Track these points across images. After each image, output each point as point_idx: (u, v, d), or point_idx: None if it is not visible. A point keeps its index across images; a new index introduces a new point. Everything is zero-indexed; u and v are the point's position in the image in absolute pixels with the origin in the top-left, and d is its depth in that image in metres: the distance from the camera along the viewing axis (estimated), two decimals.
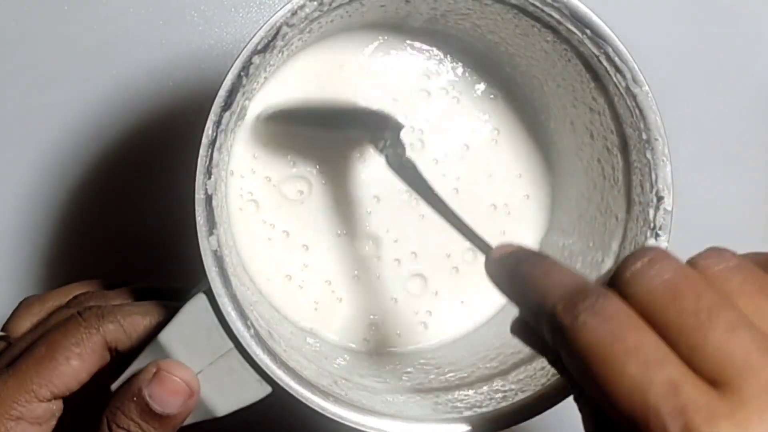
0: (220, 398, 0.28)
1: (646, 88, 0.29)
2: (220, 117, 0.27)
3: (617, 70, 0.29)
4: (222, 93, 0.27)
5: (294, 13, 0.27)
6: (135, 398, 0.27)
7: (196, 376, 0.28)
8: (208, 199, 0.27)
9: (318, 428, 0.32)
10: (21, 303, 0.32)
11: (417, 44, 0.35)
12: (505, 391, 0.30)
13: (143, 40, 0.42)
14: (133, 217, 0.42)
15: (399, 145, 0.30)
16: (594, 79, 0.31)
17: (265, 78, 0.32)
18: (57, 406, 0.28)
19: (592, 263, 0.33)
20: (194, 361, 0.28)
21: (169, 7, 0.43)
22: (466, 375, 0.32)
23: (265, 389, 0.28)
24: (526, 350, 0.33)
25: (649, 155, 0.30)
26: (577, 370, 0.20)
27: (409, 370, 0.34)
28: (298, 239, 0.34)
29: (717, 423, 0.17)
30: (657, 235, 0.30)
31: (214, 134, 0.27)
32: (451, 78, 0.36)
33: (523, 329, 0.24)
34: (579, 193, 0.35)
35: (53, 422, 0.28)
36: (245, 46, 0.27)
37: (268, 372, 0.27)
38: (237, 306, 0.27)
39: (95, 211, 0.42)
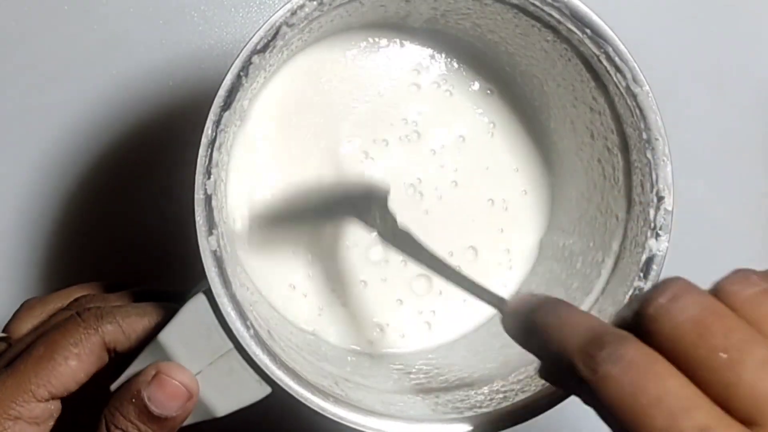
0: (220, 399, 0.28)
1: (647, 87, 0.29)
2: (220, 117, 0.27)
3: (617, 69, 0.29)
4: (222, 93, 0.27)
5: (294, 13, 0.27)
6: (134, 400, 0.27)
7: (196, 378, 0.28)
8: (208, 199, 0.27)
9: (318, 428, 0.32)
10: (22, 305, 0.32)
11: (410, 41, 0.35)
12: (505, 392, 0.30)
13: (143, 40, 0.42)
14: (133, 217, 0.42)
15: (388, 215, 0.30)
16: (594, 78, 0.31)
17: (265, 78, 0.32)
18: (55, 407, 0.28)
19: (593, 263, 0.33)
20: (194, 362, 0.28)
21: (169, 7, 0.42)
22: (466, 375, 0.32)
23: (265, 390, 0.28)
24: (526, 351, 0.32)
25: (649, 155, 0.30)
26: (607, 422, 0.19)
27: (409, 370, 0.34)
28: (303, 255, 0.34)
29: None
30: (657, 235, 0.30)
31: (214, 134, 0.27)
32: (442, 72, 0.36)
33: (549, 375, 0.23)
34: (579, 193, 0.34)
35: (51, 423, 0.28)
36: (245, 46, 0.27)
37: (267, 372, 0.27)
38: (236, 306, 0.27)
39: (95, 210, 0.42)
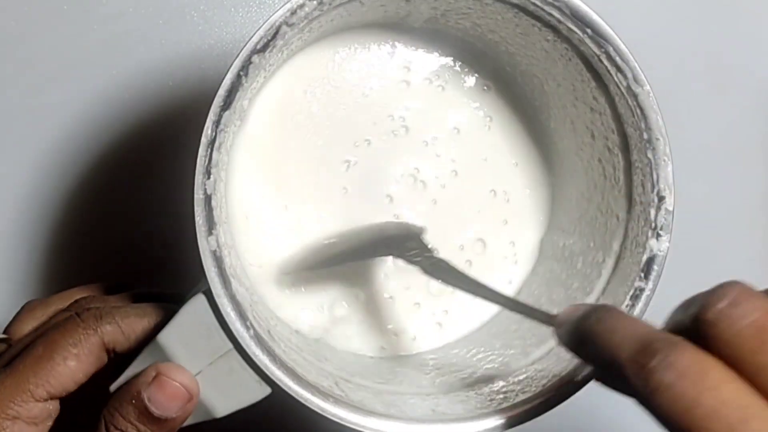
0: (220, 399, 0.28)
1: (648, 87, 0.29)
2: (220, 116, 0.27)
3: (618, 69, 0.29)
4: (221, 92, 0.27)
5: (294, 13, 0.27)
6: (134, 401, 0.27)
7: (196, 379, 0.27)
8: (207, 199, 0.27)
9: (318, 429, 0.32)
10: (23, 306, 0.32)
11: (409, 41, 0.35)
12: (505, 392, 0.30)
13: (143, 40, 0.42)
14: (133, 217, 0.42)
15: (425, 249, 0.30)
16: (595, 78, 0.31)
17: (265, 77, 0.32)
18: (54, 407, 0.28)
19: (593, 263, 0.32)
20: (193, 362, 0.27)
21: (169, 7, 0.42)
22: (466, 376, 0.32)
23: (265, 390, 0.28)
24: (526, 351, 0.32)
25: (650, 155, 0.30)
26: (664, 426, 0.19)
27: (410, 372, 0.33)
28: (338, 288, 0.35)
29: None
30: (658, 236, 0.30)
31: (214, 134, 0.27)
32: (434, 69, 0.35)
33: (605, 383, 0.23)
34: (579, 193, 0.34)
35: (50, 423, 0.28)
36: (245, 46, 0.27)
37: (267, 373, 0.27)
38: (236, 306, 0.27)
39: (95, 210, 0.42)
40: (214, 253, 0.27)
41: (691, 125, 0.45)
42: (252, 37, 0.27)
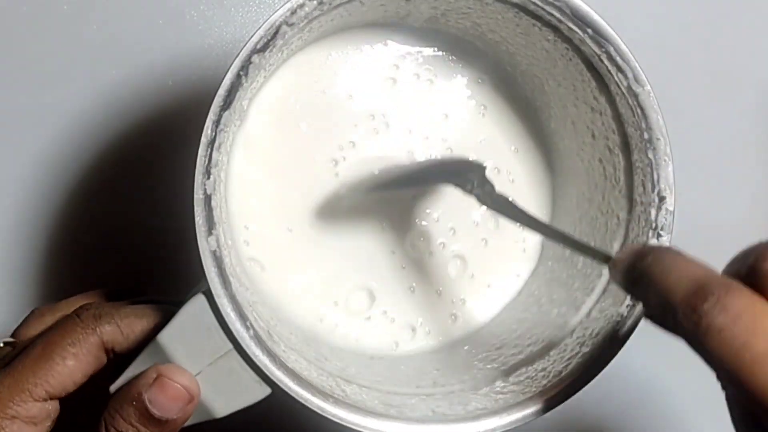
0: (220, 399, 0.28)
1: (648, 87, 0.29)
2: (220, 116, 0.27)
3: (619, 69, 0.29)
4: (221, 92, 0.27)
5: (294, 12, 0.27)
6: (134, 402, 0.27)
7: (197, 381, 0.27)
8: (207, 199, 0.27)
9: (318, 429, 0.32)
10: (32, 312, 0.32)
11: (397, 38, 0.35)
12: (505, 393, 0.30)
13: (143, 40, 0.42)
14: (133, 217, 0.42)
15: (487, 183, 0.30)
16: (595, 78, 0.31)
17: (265, 77, 0.32)
18: (53, 407, 0.28)
19: (593, 263, 0.32)
20: (193, 362, 0.27)
21: (169, 7, 0.42)
22: (466, 377, 0.32)
23: (265, 390, 0.28)
24: (526, 351, 0.32)
25: (650, 155, 0.30)
26: (712, 369, 0.19)
27: (410, 372, 0.33)
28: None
29: None
30: (659, 236, 0.30)
31: (214, 134, 0.27)
32: (424, 63, 0.35)
33: (656, 323, 0.22)
34: (580, 193, 0.34)
35: (49, 423, 0.28)
36: (244, 46, 0.27)
37: (267, 373, 0.27)
38: (236, 306, 0.27)
39: (95, 210, 0.42)
40: (214, 253, 0.27)
41: (692, 125, 0.45)
42: (252, 37, 0.27)
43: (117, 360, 0.29)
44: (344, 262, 0.34)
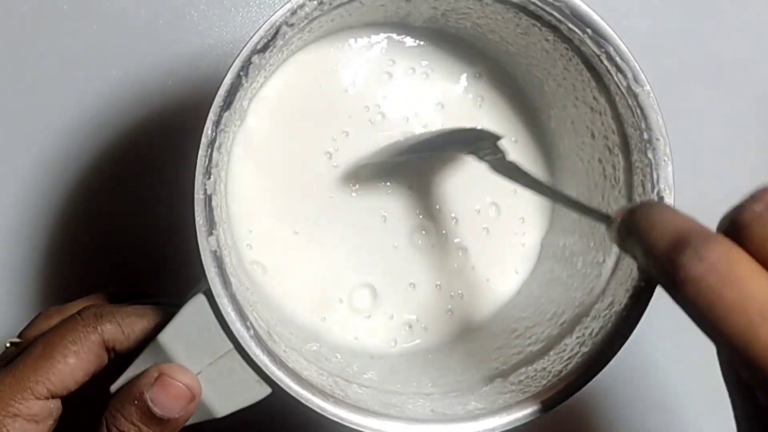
0: (220, 399, 0.28)
1: (648, 87, 0.29)
2: (220, 116, 0.27)
3: (618, 69, 0.29)
4: (221, 92, 0.27)
5: (294, 12, 0.27)
6: (136, 402, 0.27)
7: (198, 380, 0.27)
8: (208, 199, 0.27)
9: (318, 428, 0.32)
10: (40, 313, 0.32)
11: (407, 40, 0.35)
12: (505, 393, 0.30)
13: (143, 39, 0.42)
14: (133, 217, 0.42)
15: (499, 151, 0.31)
16: (595, 78, 0.31)
17: (265, 77, 0.32)
18: (55, 405, 0.28)
19: (593, 263, 0.32)
20: (194, 362, 0.28)
21: (169, 7, 0.42)
22: (466, 376, 0.32)
23: (265, 390, 0.28)
24: (526, 351, 0.32)
25: (650, 155, 0.30)
26: (694, 322, 0.19)
27: (410, 371, 0.33)
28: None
29: None
30: None
31: (214, 134, 0.27)
32: (421, 59, 0.35)
33: (647, 277, 0.23)
34: (580, 193, 0.34)
35: (51, 421, 0.28)
36: (245, 46, 0.27)
37: (267, 373, 0.27)
38: (236, 306, 0.27)
39: (95, 210, 0.42)
40: (214, 253, 0.27)
41: (692, 125, 0.45)
42: (252, 37, 0.27)
43: (118, 360, 0.29)
44: (346, 259, 0.34)
